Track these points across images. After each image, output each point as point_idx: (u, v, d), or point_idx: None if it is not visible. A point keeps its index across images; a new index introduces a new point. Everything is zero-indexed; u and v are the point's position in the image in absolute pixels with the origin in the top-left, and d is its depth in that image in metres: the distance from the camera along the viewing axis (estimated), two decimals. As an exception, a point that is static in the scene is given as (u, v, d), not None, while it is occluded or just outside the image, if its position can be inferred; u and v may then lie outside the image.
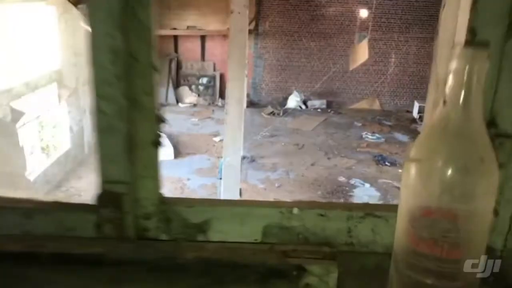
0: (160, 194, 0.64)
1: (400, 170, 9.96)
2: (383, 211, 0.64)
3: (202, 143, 10.97)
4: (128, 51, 0.56)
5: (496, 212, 0.59)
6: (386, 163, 10.41)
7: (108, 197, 0.59)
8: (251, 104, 13.83)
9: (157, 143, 0.61)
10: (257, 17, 13.87)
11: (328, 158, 10.76)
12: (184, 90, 14.26)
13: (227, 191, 6.39)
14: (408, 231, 0.51)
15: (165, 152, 9.43)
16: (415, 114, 13.33)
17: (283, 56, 14.32)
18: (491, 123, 0.60)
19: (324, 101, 14.34)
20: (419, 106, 13.16)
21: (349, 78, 14.23)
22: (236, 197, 6.47)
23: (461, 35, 0.60)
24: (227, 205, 0.64)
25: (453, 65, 0.47)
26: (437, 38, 0.76)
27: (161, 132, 0.61)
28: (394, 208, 0.57)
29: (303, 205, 0.64)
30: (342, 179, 9.68)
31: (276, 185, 9.31)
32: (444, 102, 0.48)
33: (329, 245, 0.62)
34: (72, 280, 0.57)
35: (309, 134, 12.28)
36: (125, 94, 0.57)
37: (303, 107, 14.23)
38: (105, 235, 0.61)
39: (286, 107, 14.09)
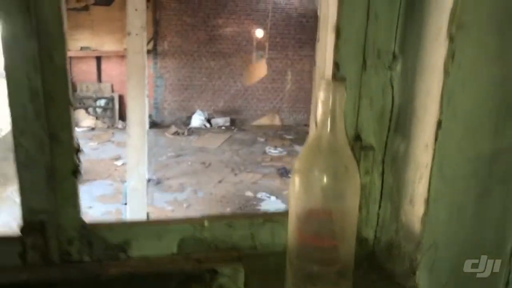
0: (81, 220, 0.69)
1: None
2: (278, 217, 0.77)
3: (103, 168, 10.50)
4: (46, 90, 0.62)
5: (361, 208, 0.75)
6: (289, 175, 10.90)
7: (32, 227, 0.64)
8: (154, 124, 13.61)
9: (76, 172, 0.67)
10: (155, 37, 13.79)
11: (235, 174, 10.96)
12: (80, 113, 13.56)
13: (133, 216, 6.21)
14: (296, 229, 0.63)
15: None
16: (312, 127, 14.13)
17: (184, 75, 14.38)
18: (356, 138, 0.76)
19: (228, 119, 14.64)
20: (316, 120, 13.97)
21: (250, 96, 14.72)
22: (144, 220, 6.33)
23: (330, 68, 0.75)
24: (144, 225, 0.72)
25: (320, 96, 0.61)
26: (314, 69, 0.92)
27: (79, 161, 0.67)
28: (286, 213, 0.69)
29: (212, 219, 0.74)
30: (249, 193, 9.92)
31: (185, 205, 9.24)
32: (316, 125, 0.61)
33: (236, 250, 0.73)
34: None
35: (215, 152, 12.41)
36: (45, 129, 0.62)
37: (208, 125, 14.37)
38: (30, 262, 0.65)
39: (190, 126, 14.10)
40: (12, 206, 8.89)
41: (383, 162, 0.77)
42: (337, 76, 0.70)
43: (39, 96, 0.61)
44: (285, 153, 12.42)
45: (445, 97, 0.63)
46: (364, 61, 0.73)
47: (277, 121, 14.82)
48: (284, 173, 10.97)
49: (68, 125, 0.65)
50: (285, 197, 9.73)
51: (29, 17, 0.58)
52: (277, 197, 9.78)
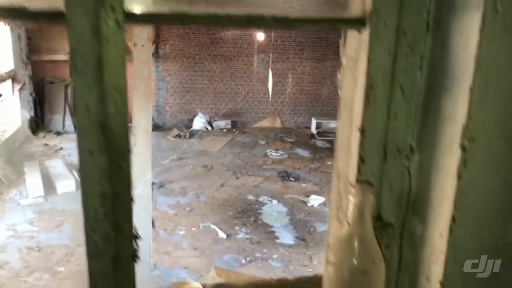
0: (137, 295, 0.79)
1: (303, 185, 10.63)
2: (308, 284, 0.87)
3: (107, 172, 10.60)
4: (113, 193, 0.71)
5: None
6: (291, 178, 11.00)
7: (98, 307, 0.74)
8: (156, 127, 13.66)
9: (134, 257, 0.76)
10: (157, 41, 13.86)
11: (237, 178, 11.06)
12: (84, 116, 13.57)
13: (138, 223, 6.29)
14: (330, 310, 0.73)
15: (65, 184, 8.93)
16: (313, 130, 14.25)
17: (185, 78, 14.46)
18: (379, 218, 0.86)
19: (229, 121, 14.71)
20: (316, 123, 14.10)
21: (251, 98, 14.80)
22: (149, 228, 6.43)
23: (355, 158, 0.85)
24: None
25: (351, 199, 0.71)
26: (336, 143, 1.01)
27: (137, 247, 0.77)
28: (317, 279, 0.79)
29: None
30: (251, 197, 10.02)
31: (187, 209, 9.34)
32: (348, 223, 0.71)
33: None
34: None
35: (217, 155, 12.50)
36: (111, 225, 0.72)
37: (209, 128, 14.44)
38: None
39: (192, 128, 14.19)
40: (15, 208, 8.98)
41: (401, 238, 0.87)
42: (363, 176, 0.80)
43: (108, 199, 0.70)
44: (286, 156, 12.52)
45: (458, 197, 0.73)
46: (385, 153, 0.82)
47: (278, 124, 14.91)
48: (285, 176, 11.06)
49: (129, 218, 0.74)
50: (287, 201, 9.83)
51: (102, 134, 0.68)
52: (278, 201, 9.88)
